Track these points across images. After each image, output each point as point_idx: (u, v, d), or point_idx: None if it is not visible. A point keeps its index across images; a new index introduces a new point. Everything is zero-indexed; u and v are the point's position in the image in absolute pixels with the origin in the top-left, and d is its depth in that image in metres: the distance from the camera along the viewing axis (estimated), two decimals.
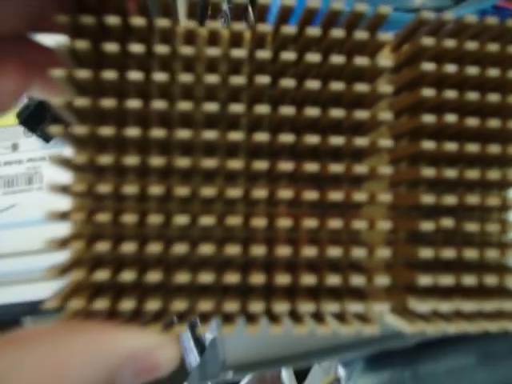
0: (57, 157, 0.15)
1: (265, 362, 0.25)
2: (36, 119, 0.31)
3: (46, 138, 0.35)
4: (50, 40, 0.18)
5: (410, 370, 0.28)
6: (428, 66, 0.16)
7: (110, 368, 0.14)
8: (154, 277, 0.15)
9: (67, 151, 0.16)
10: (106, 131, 0.15)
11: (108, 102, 0.15)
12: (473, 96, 0.16)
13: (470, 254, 0.16)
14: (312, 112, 0.15)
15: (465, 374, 0.28)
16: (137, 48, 0.15)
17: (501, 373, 0.29)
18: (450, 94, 0.16)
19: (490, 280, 0.16)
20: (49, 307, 0.14)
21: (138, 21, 0.15)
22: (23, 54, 0.17)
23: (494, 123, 0.16)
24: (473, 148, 0.16)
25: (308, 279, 0.15)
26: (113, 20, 0.15)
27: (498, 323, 0.16)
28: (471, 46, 0.16)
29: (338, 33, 0.16)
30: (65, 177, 0.16)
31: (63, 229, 0.16)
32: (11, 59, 0.17)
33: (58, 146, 0.35)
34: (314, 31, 0.16)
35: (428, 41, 0.16)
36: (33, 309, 0.38)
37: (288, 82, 0.15)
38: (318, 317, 0.16)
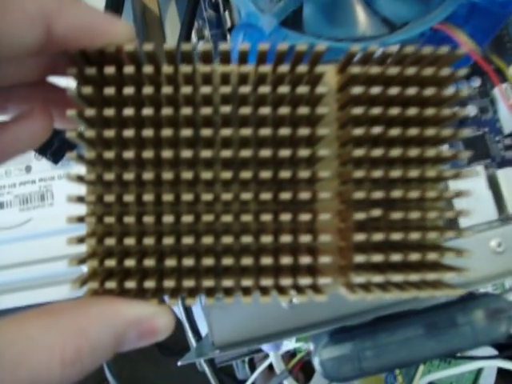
0: (73, 175, 0.20)
1: (244, 342, 0.31)
2: (45, 144, 0.37)
3: (55, 160, 0.41)
4: (63, 81, 0.22)
5: (370, 341, 0.33)
6: (356, 90, 0.20)
7: (118, 330, 0.19)
8: (148, 262, 0.19)
9: (80, 170, 0.20)
10: (109, 155, 0.20)
11: (109, 133, 0.20)
12: (394, 111, 0.20)
13: (396, 236, 0.20)
14: (265, 132, 0.20)
15: (416, 343, 0.33)
16: (128, 90, 0.20)
17: (446, 340, 0.33)
18: (375, 110, 0.20)
19: (414, 257, 0.20)
20: (72, 288, 0.19)
21: (128, 69, 0.20)
22: (45, 95, 0.22)
23: (413, 131, 0.20)
24: (395, 152, 0.20)
25: (266, 260, 0.19)
26: (108, 70, 0.19)
27: (425, 291, 0.21)
28: (392, 70, 0.20)
29: (283, 68, 0.20)
30: (72, 191, 0.21)
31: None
32: (37, 101, 0.22)
33: (64, 166, 0.41)
34: (265, 68, 0.20)
35: (356, 69, 0.20)
36: None
37: (245, 110, 0.20)
38: (281, 289, 0.21)
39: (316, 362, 0.34)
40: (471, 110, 0.44)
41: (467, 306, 0.34)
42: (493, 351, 0.48)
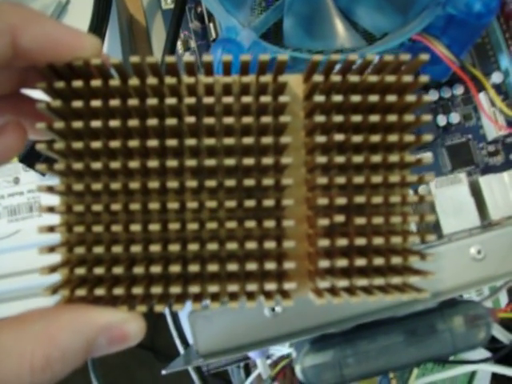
0: (43, 186, 0.20)
1: (228, 350, 0.32)
2: (33, 157, 0.37)
3: (43, 172, 0.41)
4: (37, 93, 0.23)
5: (350, 348, 0.34)
6: (318, 98, 0.21)
7: (89, 336, 0.19)
8: (117, 270, 0.20)
9: (54, 181, 0.21)
10: (78, 166, 0.20)
11: (77, 145, 0.20)
12: (356, 118, 0.21)
13: (359, 242, 0.20)
14: (229, 141, 0.20)
15: (396, 350, 0.34)
16: (95, 103, 0.20)
17: (425, 347, 0.34)
18: (337, 118, 0.20)
19: (378, 261, 0.20)
20: (44, 295, 0.20)
21: (95, 82, 0.20)
22: (18, 107, 0.23)
23: (375, 138, 0.21)
24: (358, 159, 0.21)
25: (231, 267, 0.20)
26: (76, 83, 0.20)
27: (392, 295, 0.21)
28: (353, 78, 0.21)
29: (246, 79, 0.20)
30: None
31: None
32: (10, 114, 0.22)
33: (52, 178, 0.41)
34: (228, 79, 0.20)
35: (318, 77, 0.21)
36: None
37: (209, 120, 0.20)
38: (249, 295, 0.21)
39: (297, 369, 0.34)
40: (454, 118, 0.44)
41: (446, 313, 0.35)
42: (486, 353, 0.48)
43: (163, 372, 0.34)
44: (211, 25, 0.43)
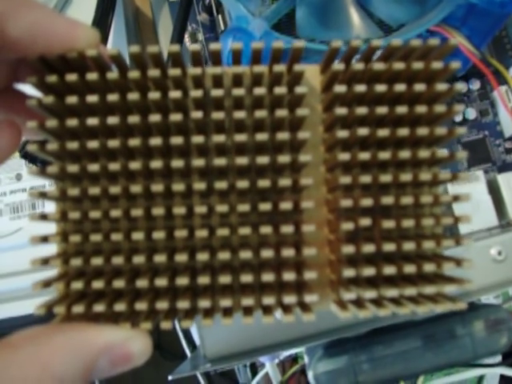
0: (34, 191, 0.18)
1: (237, 354, 0.29)
2: None
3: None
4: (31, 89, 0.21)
5: (366, 354, 0.31)
6: (338, 88, 0.18)
7: (87, 359, 0.17)
8: (118, 284, 0.18)
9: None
10: (73, 168, 0.18)
11: (72, 145, 0.18)
12: (382, 110, 0.18)
13: (388, 247, 0.18)
14: (240, 138, 0.18)
15: (413, 356, 0.32)
16: (92, 98, 0.18)
17: (444, 353, 0.32)
18: (360, 110, 0.18)
19: (409, 269, 0.18)
20: (37, 314, 0.18)
21: (91, 75, 0.18)
22: (11, 104, 0.21)
23: (403, 131, 0.19)
24: (385, 155, 0.18)
25: (245, 278, 0.18)
26: (70, 77, 0.18)
27: (424, 306, 0.19)
28: (379, 66, 0.19)
29: (258, 69, 0.18)
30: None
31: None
32: (2, 111, 0.20)
33: None
34: (238, 69, 0.18)
35: (338, 65, 0.19)
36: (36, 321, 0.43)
37: (218, 115, 0.18)
38: (265, 309, 0.19)
39: (310, 375, 0.32)
40: (471, 113, 0.42)
41: (466, 317, 0.33)
42: (497, 356, 0.46)
43: (170, 377, 0.31)
44: (220, 17, 0.41)
